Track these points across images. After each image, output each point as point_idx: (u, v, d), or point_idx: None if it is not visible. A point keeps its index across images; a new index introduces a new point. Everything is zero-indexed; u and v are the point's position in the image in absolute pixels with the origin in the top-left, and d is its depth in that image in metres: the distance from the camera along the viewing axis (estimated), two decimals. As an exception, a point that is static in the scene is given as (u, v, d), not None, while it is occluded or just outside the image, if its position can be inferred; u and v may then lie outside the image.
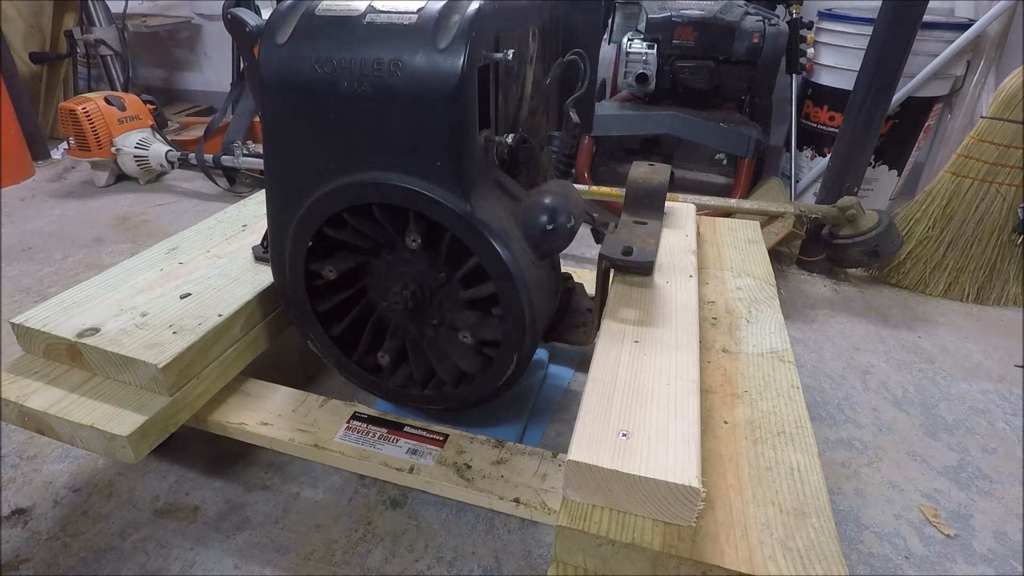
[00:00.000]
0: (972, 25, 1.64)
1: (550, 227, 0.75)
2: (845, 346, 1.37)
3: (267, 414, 0.86)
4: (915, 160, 1.93)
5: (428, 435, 0.83)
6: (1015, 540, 0.92)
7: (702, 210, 1.51)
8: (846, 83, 1.62)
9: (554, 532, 0.54)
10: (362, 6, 0.71)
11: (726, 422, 0.66)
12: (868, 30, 1.42)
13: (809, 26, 1.88)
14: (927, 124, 1.82)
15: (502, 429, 0.98)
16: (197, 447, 1.01)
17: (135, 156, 2.07)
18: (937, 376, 1.29)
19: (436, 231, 0.75)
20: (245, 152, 1.94)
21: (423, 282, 0.82)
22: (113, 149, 2.06)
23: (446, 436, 0.83)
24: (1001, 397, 1.23)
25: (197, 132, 2.35)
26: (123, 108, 2.07)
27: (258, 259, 1.00)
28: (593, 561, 0.54)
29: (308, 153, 0.75)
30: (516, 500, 0.74)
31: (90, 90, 2.67)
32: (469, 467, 0.78)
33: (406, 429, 0.84)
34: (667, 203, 1.02)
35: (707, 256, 1.03)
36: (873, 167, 1.84)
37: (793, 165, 1.86)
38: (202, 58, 3.03)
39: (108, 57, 2.55)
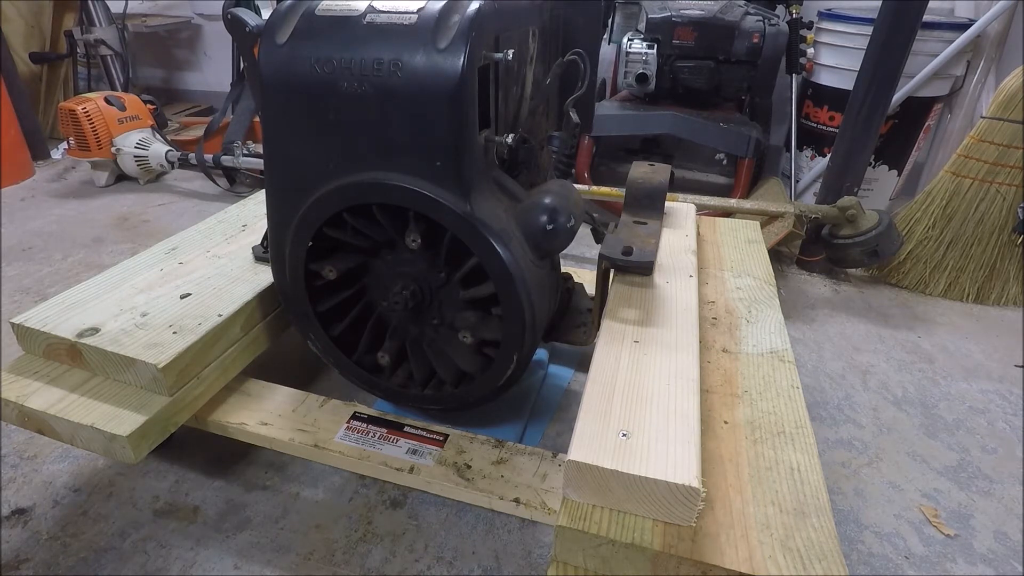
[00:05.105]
0: (972, 25, 1.64)
1: (550, 227, 0.75)
2: (845, 346, 1.37)
3: (267, 414, 0.86)
4: (915, 160, 1.93)
5: (428, 435, 0.83)
6: (1015, 540, 0.92)
7: (702, 210, 1.51)
8: (846, 83, 1.62)
9: (554, 532, 0.54)
10: (362, 6, 0.71)
11: (726, 422, 0.66)
12: (868, 30, 1.42)
13: (809, 26, 1.88)
14: (927, 124, 1.82)
15: (502, 429, 0.98)
16: (197, 447, 1.01)
17: (135, 156, 2.07)
18: (937, 376, 1.29)
19: (436, 231, 0.75)
20: (245, 152, 1.94)
21: (423, 282, 0.82)
22: (113, 149, 2.05)
23: (446, 436, 0.83)
24: (1001, 397, 1.23)
25: (197, 132, 2.35)
26: (123, 108, 2.07)
27: (258, 259, 1.00)
28: (593, 561, 0.54)
29: (308, 153, 0.75)
30: (516, 500, 0.74)
31: (90, 90, 2.66)
32: (469, 467, 0.78)
33: (406, 429, 0.84)
34: (667, 203, 1.02)
35: (707, 256, 1.03)
36: (873, 167, 1.84)
37: (793, 165, 1.86)
38: (202, 58, 3.03)
39: (108, 57, 2.55)
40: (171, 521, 0.90)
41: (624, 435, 0.56)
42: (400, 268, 0.83)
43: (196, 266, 0.98)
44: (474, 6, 0.68)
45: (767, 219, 1.52)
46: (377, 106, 0.70)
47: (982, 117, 1.51)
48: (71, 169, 2.30)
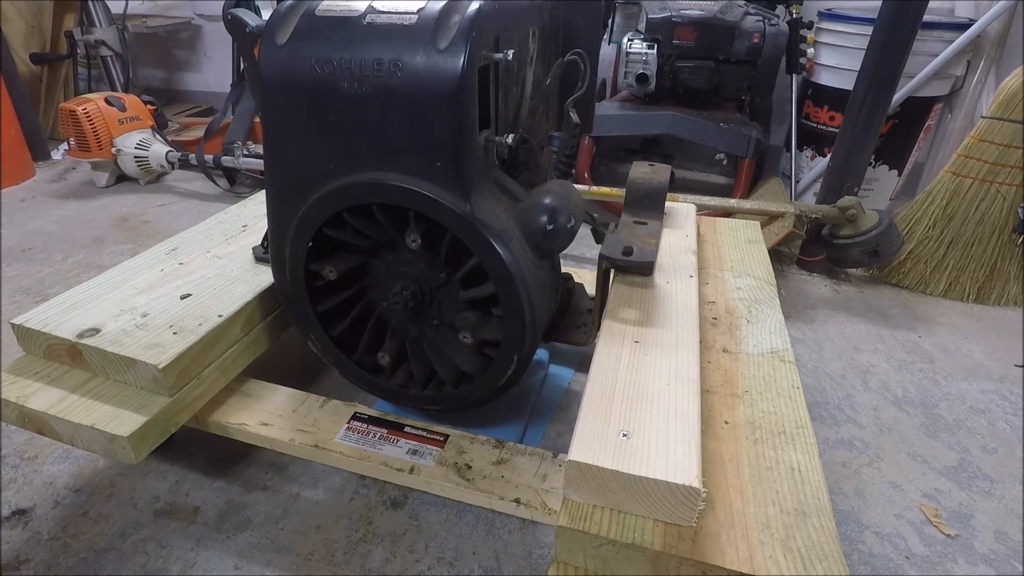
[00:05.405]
0: (972, 25, 1.64)
1: (550, 227, 0.75)
2: (845, 346, 1.37)
3: (267, 414, 0.86)
4: (915, 160, 1.93)
5: (428, 435, 0.83)
6: (1016, 540, 0.92)
7: (702, 210, 1.51)
8: (846, 83, 1.62)
9: (554, 532, 0.54)
10: (362, 6, 0.71)
11: (726, 422, 0.66)
12: (868, 30, 1.42)
13: (809, 26, 1.88)
14: (927, 124, 1.82)
15: (502, 429, 0.98)
16: (197, 447, 1.01)
17: (135, 157, 2.08)
18: (937, 376, 1.29)
19: (436, 231, 0.75)
20: (245, 153, 1.94)
21: (423, 282, 0.82)
22: (113, 150, 2.06)
23: (446, 436, 0.83)
24: (1001, 397, 1.23)
25: (197, 133, 2.35)
26: (123, 109, 2.07)
27: (258, 259, 1.00)
28: (593, 561, 0.54)
29: (308, 153, 0.75)
30: (516, 500, 0.74)
31: (90, 91, 2.66)
32: (469, 467, 0.78)
33: (406, 429, 0.84)
34: (667, 203, 1.02)
35: (707, 256, 1.03)
36: (873, 167, 1.84)
37: (793, 165, 1.86)
38: (202, 58, 3.03)
39: (108, 58, 2.55)
40: (171, 521, 0.90)
41: (624, 435, 0.56)
42: (400, 268, 0.83)
43: (196, 267, 0.98)
44: (474, 6, 0.68)
45: (767, 219, 1.52)
46: (377, 106, 0.70)
47: (982, 117, 1.51)
48: (71, 170, 2.30)
